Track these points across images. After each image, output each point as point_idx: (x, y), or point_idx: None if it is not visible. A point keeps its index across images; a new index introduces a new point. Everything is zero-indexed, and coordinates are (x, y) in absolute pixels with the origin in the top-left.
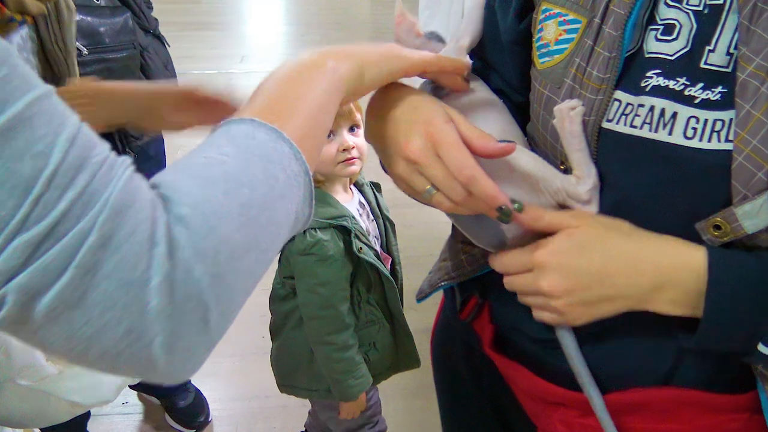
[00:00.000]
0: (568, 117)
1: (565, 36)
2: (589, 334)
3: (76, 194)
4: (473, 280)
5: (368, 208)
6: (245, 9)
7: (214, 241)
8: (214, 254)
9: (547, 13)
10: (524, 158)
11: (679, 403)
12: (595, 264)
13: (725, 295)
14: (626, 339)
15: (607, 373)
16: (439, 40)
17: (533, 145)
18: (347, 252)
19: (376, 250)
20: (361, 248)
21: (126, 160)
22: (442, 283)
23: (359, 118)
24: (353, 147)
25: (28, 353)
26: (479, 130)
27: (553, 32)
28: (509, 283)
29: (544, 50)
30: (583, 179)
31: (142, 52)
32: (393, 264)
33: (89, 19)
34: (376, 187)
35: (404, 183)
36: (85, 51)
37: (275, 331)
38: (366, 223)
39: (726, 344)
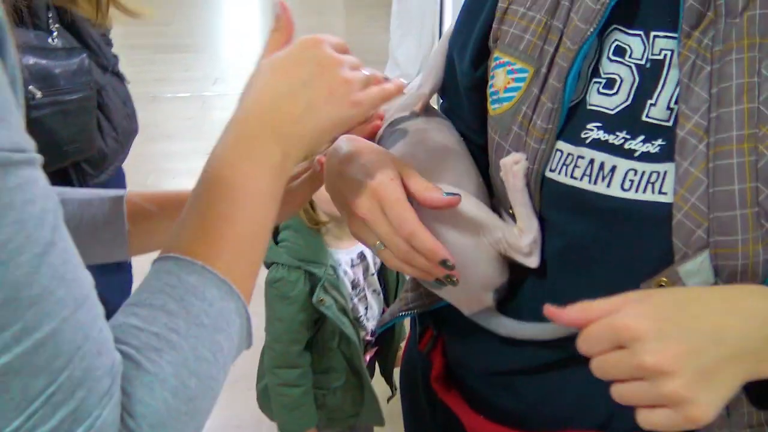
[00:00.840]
0: (511, 171)
1: (513, 84)
2: (525, 373)
3: (69, 412)
4: (430, 313)
5: (371, 261)
6: (219, 30)
7: None
8: None
9: (498, 62)
10: (467, 207)
11: None
12: (700, 317)
13: None
14: (565, 380)
15: (542, 413)
16: None
17: (494, 188)
18: (311, 298)
19: (345, 307)
20: (322, 300)
21: (118, 369)
22: (401, 313)
23: None
24: None
25: None
26: (426, 184)
27: (502, 80)
28: (598, 369)
29: (494, 97)
30: (525, 233)
31: (100, 91)
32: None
33: (44, 62)
34: None
35: (359, 238)
36: (39, 94)
37: None
38: (359, 276)
39: None
